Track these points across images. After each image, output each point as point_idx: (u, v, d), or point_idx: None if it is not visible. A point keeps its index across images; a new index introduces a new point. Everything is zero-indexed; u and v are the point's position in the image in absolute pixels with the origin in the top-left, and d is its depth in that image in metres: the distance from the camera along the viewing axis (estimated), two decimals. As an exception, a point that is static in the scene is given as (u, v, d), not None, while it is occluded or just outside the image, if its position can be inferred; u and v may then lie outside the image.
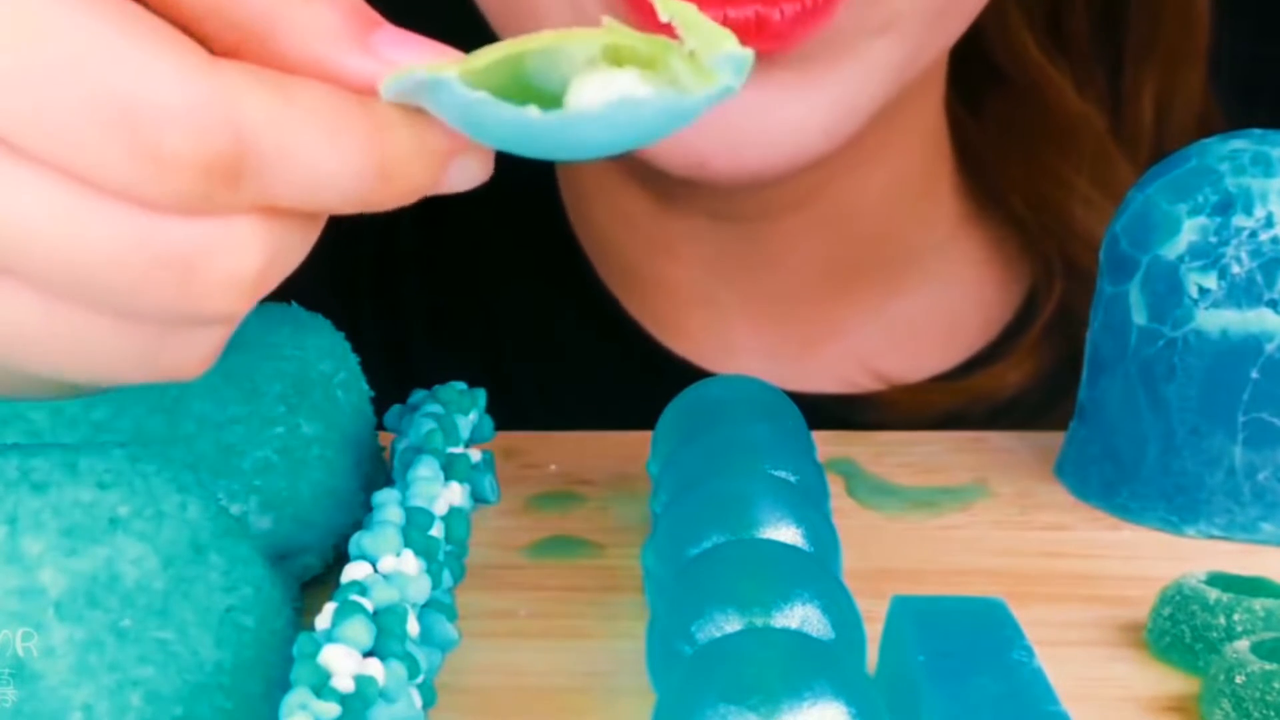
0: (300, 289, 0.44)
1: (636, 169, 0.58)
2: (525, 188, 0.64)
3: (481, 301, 0.64)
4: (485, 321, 0.63)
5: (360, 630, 0.32)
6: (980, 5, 0.53)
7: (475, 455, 0.45)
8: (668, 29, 0.32)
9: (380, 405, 0.45)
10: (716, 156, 0.49)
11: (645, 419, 0.47)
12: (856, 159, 0.57)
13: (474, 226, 0.64)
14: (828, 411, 0.43)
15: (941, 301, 0.63)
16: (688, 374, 0.60)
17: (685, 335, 0.62)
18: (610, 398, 0.53)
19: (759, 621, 0.31)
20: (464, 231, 0.65)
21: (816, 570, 0.32)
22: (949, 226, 0.63)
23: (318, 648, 0.31)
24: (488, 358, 0.62)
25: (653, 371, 0.61)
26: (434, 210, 0.65)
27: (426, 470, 0.41)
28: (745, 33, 0.47)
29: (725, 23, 0.47)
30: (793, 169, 0.50)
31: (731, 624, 0.31)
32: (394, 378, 0.45)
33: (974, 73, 0.60)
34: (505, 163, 0.66)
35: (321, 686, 0.30)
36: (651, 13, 0.45)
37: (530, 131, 0.28)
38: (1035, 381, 0.61)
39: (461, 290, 0.64)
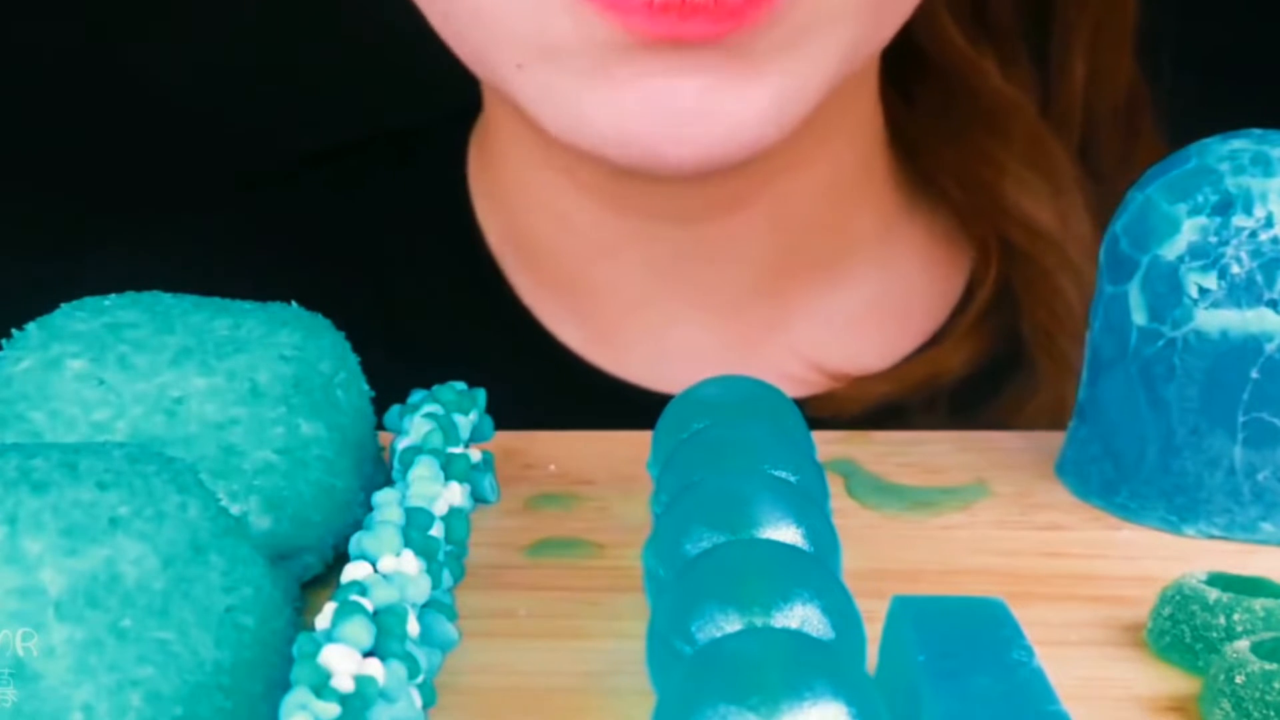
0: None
1: (580, 172, 0.58)
2: (435, 208, 0.63)
3: (393, 324, 0.63)
4: (400, 344, 0.62)
5: (360, 630, 0.32)
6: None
7: (475, 455, 0.45)
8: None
9: (381, 405, 0.45)
10: (665, 143, 0.49)
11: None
12: (796, 155, 0.57)
13: (384, 247, 0.64)
14: None
15: (884, 292, 0.62)
16: (616, 389, 0.60)
17: (622, 343, 0.61)
18: (533, 416, 0.52)
19: (759, 621, 0.31)
20: (373, 256, 0.64)
21: (816, 570, 0.32)
22: (888, 216, 0.63)
23: (318, 648, 0.31)
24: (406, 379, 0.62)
25: (578, 389, 0.60)
26: (343, 232, 0.65)
27: (426, 470, 0.41)
28: (704, 11, 0.47)
29: (685, 5, 0.47)
30: (740, 156, 0.50)
31: (731, 624, 0.31)
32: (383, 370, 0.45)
33: (902, 59, 0.60)
34: (416, 186, 0.64)
35: (321, 686, 0.30)
36: (623, 2, 0.46)
37: None
38: (975, 365, 0.61)
39: (374, 316, 0.63)
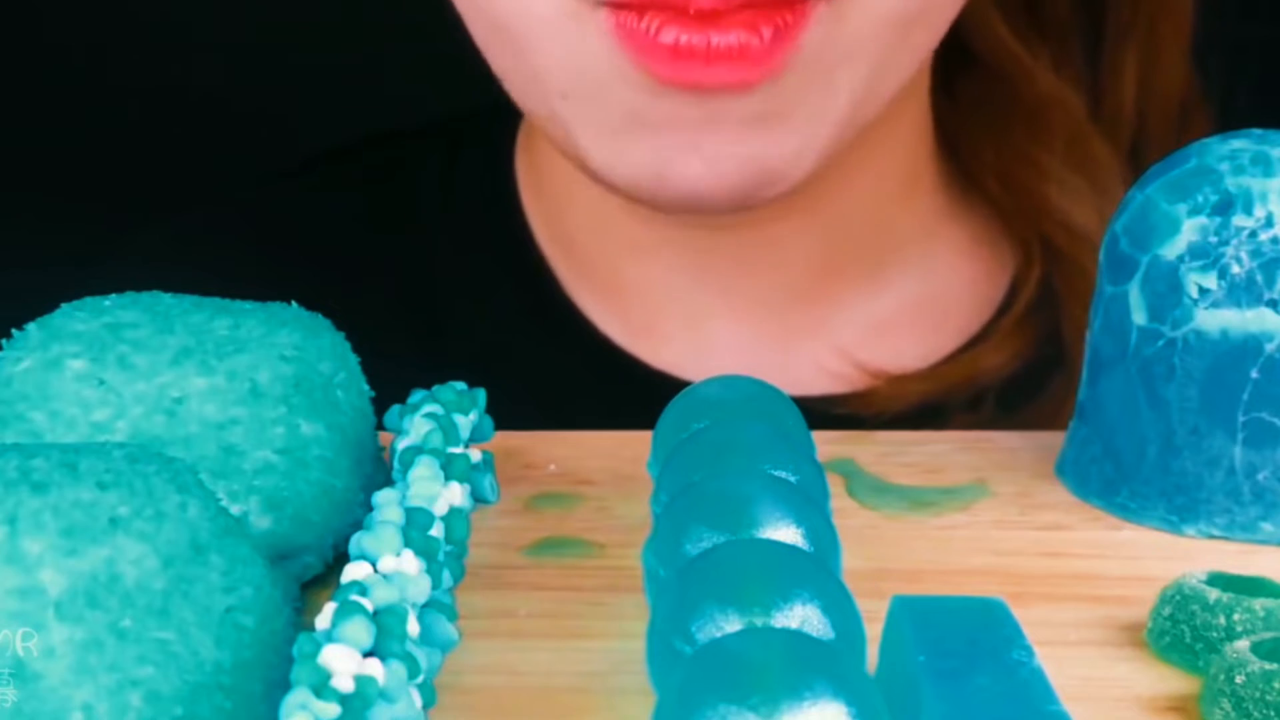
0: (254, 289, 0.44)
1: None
2: (485, 199, 0.64)
3: (434, 313, 0.63)
4: (436, 333, 0.63)
5: (360, 630, 0.32)
6: (948, 21, 0.53)
7: (475, 455, 0.45)
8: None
9: (380, 405, 0.45)
10: (701, 183, 0.50)
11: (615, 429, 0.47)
12: (846, 161, 0.56)
13: (429, 236, 0.64)
14: (809, 409, 0.43)
15: (926, 292, 0.62)
16: (657, 382, 0.60)
17: (661, 337, 0.61)
18: (574, 409, 0.52)
19: (759, 621, 0.31)
20: (419, 242, 0.64)
21: (816, 570, 0.32)
22: (932, 217, 0.63)
23: (318, 648, 0.31)
24: (442, 371, 0.62)
25: (620, 380, 0.60)
26: (388, 219, 0.65)
27: (426, 470, 0.41)
28: (729, 59, 0.48)
29: (710, 51, 0.48)
30: (777, 194, 0.51)
31: (731, 624, 0.31)
32: (383, 370, 0.45)
33: (946, 53, 0.60)
34: (466, 177, 0.64)
35: (321, 686, 0.30)
36: (650, 43, 0.47)
37: None
38: (1016, 365, 0.61)
39: (414, 302, 0.63)
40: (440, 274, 0.64)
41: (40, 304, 0.42)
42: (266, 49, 0.80)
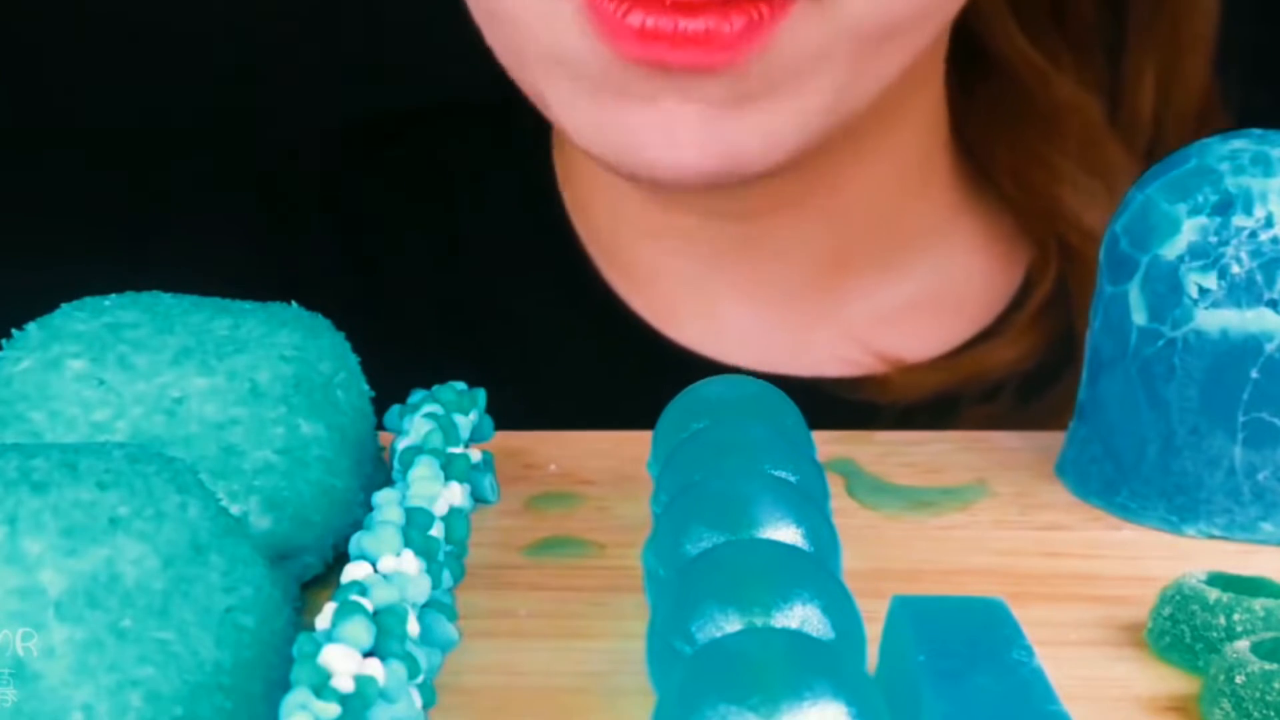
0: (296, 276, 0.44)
1: None
2: (525, 184, 0.64)
3: (474, 295, 0.64)
4: (476, 314, 0.64)
5: (360, 630, 0.32)
6: (931, 34, 0.53)
7: (475, 455, 0.45)
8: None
9: (380, 405, 0.45)
10: (662, 162, 0.51)
11: (641, 409, 0.47)
12: (858, 153, 0.57)
13: (473, 223, 0.65)
14: (824, 392, 0.43)
15: (938, 284, 0.63)
16: (683, 362, 0.60)
17: (679, 323, 0.62)
18: (605, 388, 0.53)
19: (759, 621, 0.31)
20: (464, 229, 0.65)
21: (816, 570, 0.32)
22: (946, 211, 0.63)
23: (318, 648, 0.31)
24: (481, 352, 0.62)
25: (648, 360, 0.61)
26: (436, 205, 0.65)
27: (426, 470, 0.41)
28: (695, 44, 0.49)
29: (676, 34, 0.49)
30: (740, 179, 0.52)
31: (731, 624, 0.31)
32: (382, 370, 0.45)
33: (964, 54, 0.61)
34: (509, 172, 0.65)
35: (321, 686, 0.30)
36: (619, 25, 0.48)
37: None
38: (1030, 360, 0.61)
39: (455, 285, 0.64)
40: (481, 256, 0.65)
41: (40, 304, 0.42)
42: (266, 50, 0.80)
